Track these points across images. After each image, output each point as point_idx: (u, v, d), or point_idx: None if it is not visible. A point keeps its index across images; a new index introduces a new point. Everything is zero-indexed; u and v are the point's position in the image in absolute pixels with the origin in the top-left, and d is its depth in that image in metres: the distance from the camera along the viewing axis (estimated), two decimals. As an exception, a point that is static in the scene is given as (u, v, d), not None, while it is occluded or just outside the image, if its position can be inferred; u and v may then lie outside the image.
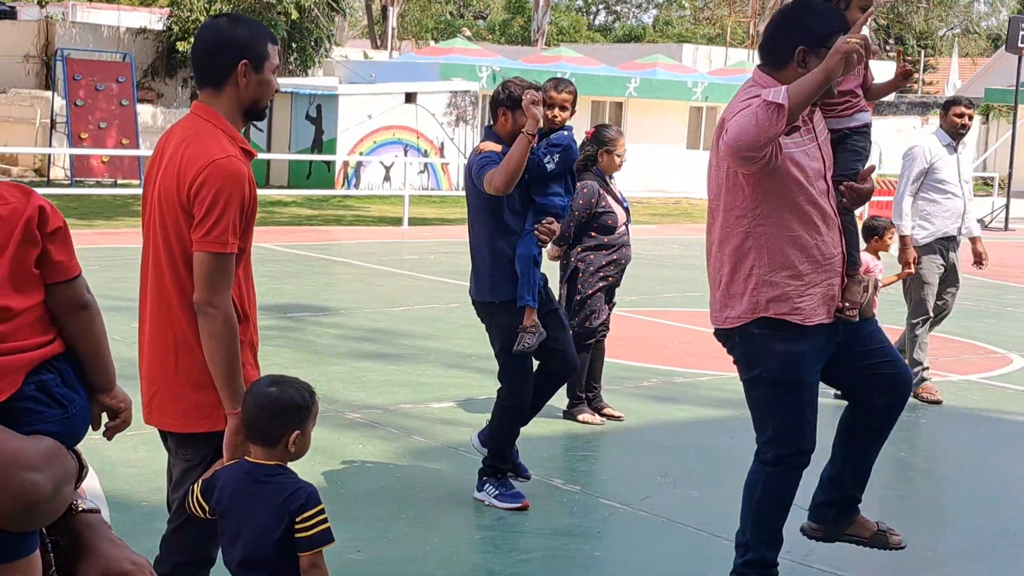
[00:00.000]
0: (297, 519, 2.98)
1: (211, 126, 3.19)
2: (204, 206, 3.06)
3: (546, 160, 5.47)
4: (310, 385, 3.13)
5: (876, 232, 7.88)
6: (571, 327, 6.98)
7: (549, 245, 6.99)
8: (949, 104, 8.10)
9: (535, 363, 5.66)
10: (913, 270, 7.94)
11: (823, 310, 4.22)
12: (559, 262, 7.11)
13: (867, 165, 4.51)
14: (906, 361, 7.85)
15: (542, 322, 5.57)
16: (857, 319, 4.39)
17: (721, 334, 4.36)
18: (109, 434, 2.34)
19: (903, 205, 8.04)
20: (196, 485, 3.14)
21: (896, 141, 37.75)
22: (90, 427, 2.25)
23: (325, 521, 3.02)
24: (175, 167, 3.14)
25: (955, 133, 8.03)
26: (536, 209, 5.50)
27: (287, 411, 3.02)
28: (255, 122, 3.33)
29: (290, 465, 3.09)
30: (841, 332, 4.31)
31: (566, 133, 5.64)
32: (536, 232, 5.46)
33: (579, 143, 6.18)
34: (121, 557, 2.12)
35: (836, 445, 4.52)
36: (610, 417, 7.20)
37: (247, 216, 3.15)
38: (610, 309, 7.21)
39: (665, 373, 8.68)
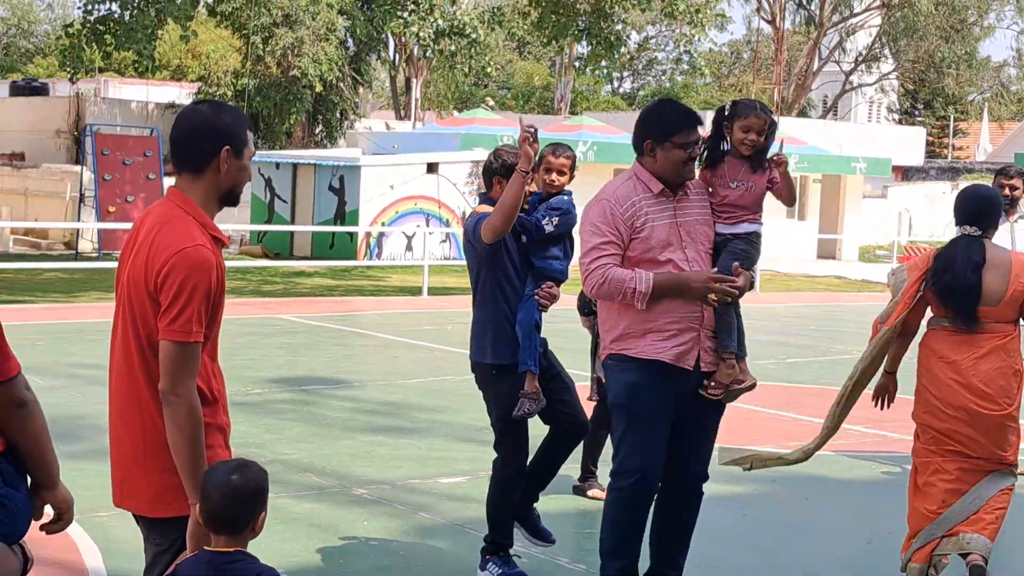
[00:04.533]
0: (262, 604, 2.92)
1: (183, 213, 3.19)
2: (170, 295, 3.05)
3: (544, 222, 5.44)
4: (255, 461, 3.11)
5: None
6: (595, 400, 6.90)
7: (579, 317, 6.93)
8: (996, 174, 8.14)
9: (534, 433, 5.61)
10: None
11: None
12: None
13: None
14: None
15: (547, 387, 5.50)
16: (718, 399, 4.89)
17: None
18: (47, 530, 2.31)
19: None
20: (160, 581, 3.10)
21: (925, 207, 37.66)
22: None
23: (289, 605, 2.97)
24: (144, 253, 3.14)
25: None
26: (535, 274, 5.47)
27: (254, 496, 2.99)
28: (230, 205, 3.33)
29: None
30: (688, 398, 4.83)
31: (566, 198, 5.61)
32: (536, 297, 5.43)
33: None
34: None
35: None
36: (595, 498, 7.06)
37: (214, 304, 3.14)
38: None
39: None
